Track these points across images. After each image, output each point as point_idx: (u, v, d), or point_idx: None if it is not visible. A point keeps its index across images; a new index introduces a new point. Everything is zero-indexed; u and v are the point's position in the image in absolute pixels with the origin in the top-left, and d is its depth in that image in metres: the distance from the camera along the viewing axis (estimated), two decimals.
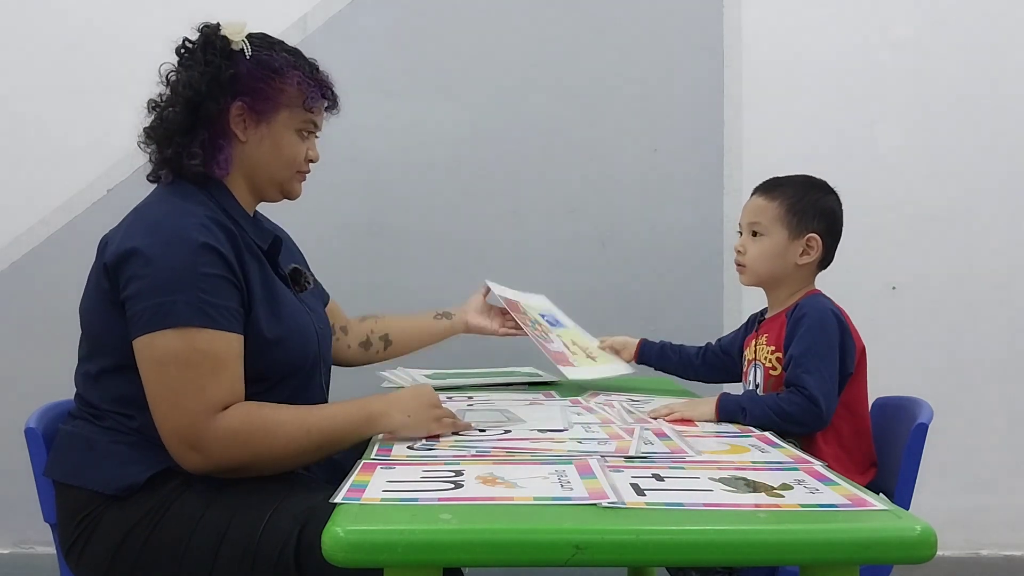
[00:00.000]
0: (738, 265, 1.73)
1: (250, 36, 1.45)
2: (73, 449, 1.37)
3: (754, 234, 1.69)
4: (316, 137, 1.55)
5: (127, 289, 1.30)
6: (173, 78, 1.45)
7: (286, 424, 1.32)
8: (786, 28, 2.52)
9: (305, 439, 1.32)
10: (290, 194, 1.54)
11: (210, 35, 1.44)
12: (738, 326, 1.89)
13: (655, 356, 1.96)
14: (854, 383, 1.63)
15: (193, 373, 1.27)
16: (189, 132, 1.41)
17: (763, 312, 1.79)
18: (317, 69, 1.51)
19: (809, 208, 1.66)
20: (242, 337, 1.34)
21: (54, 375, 1.64)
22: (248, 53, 1.43)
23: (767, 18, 2.51)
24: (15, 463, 1.63)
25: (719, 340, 1.92)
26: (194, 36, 1.45)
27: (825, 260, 1.70)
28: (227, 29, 1.44)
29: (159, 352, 1.28)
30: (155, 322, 1.27)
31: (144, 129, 1.46)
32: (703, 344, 1.93)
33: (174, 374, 1.27)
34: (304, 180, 1.55)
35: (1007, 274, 2.54)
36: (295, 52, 1.50)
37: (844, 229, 1.71)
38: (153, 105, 1.46)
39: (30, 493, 1.43)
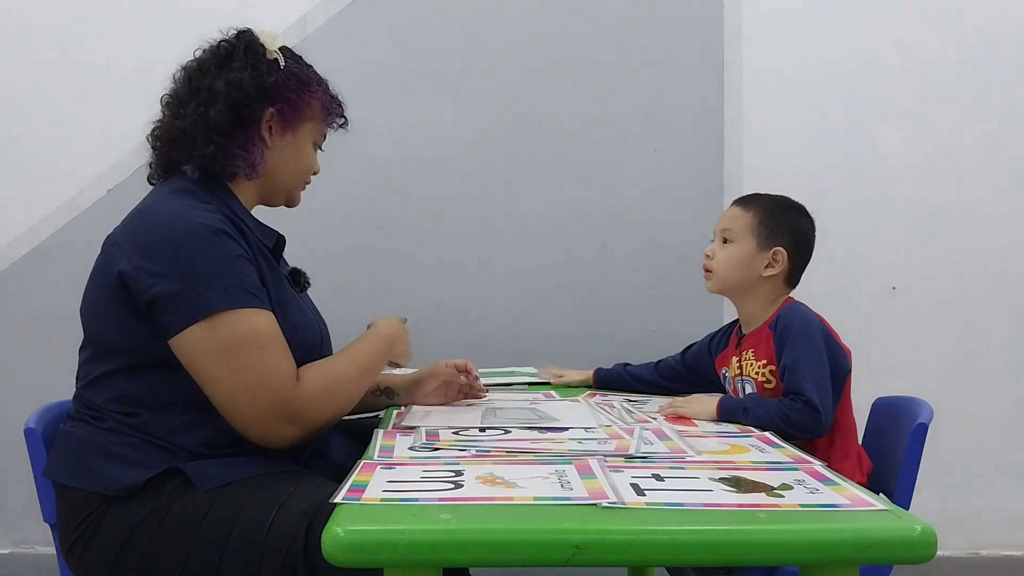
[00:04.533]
0: (705, 271, 1.74)
1: (281, 48, 1.48)
2: (73, 450, 1.36)
3: (724, 241, 1.71)
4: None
5: (156, 287, 1.29)
6: (206, 81, 1.42)
7: (348, 371, 1.42)
8: (786, 29, 2.52)
9: (361, 378, 1.44)
10: (292, 202, 1.59)
11: (251, 41, 1.46)
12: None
13: (614, 379, 1.98)
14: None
15: (266, 352, 1.30)
16: (228, 133, 1.42)
17: (732, 327, 1.80)
18: (329, 86, 1.55)
19: (781, 224, 1.69)
20: None
21: (54, 375, 1.64)
22: (282, 63, 1.46)
23: (767, 19, 2.51)
24: (15, 463, 1.63)
25: (685, 351, 1.92)
26: (227, 38, 1.47)
27: (792, 278, 1.71)
28: (263, 37, 1.47)
29: (225, 339, 1.28)
30: (208, 309, 1.27)
31: (177, 126, 1.42)
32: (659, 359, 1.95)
33: (247, 357, 1.28)
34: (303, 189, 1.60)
35: (1007, 274, 2.54)
36: (312, 69, 1.53)
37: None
38: (177, 102, 1.45)
39: (30, 493, 1.43)
